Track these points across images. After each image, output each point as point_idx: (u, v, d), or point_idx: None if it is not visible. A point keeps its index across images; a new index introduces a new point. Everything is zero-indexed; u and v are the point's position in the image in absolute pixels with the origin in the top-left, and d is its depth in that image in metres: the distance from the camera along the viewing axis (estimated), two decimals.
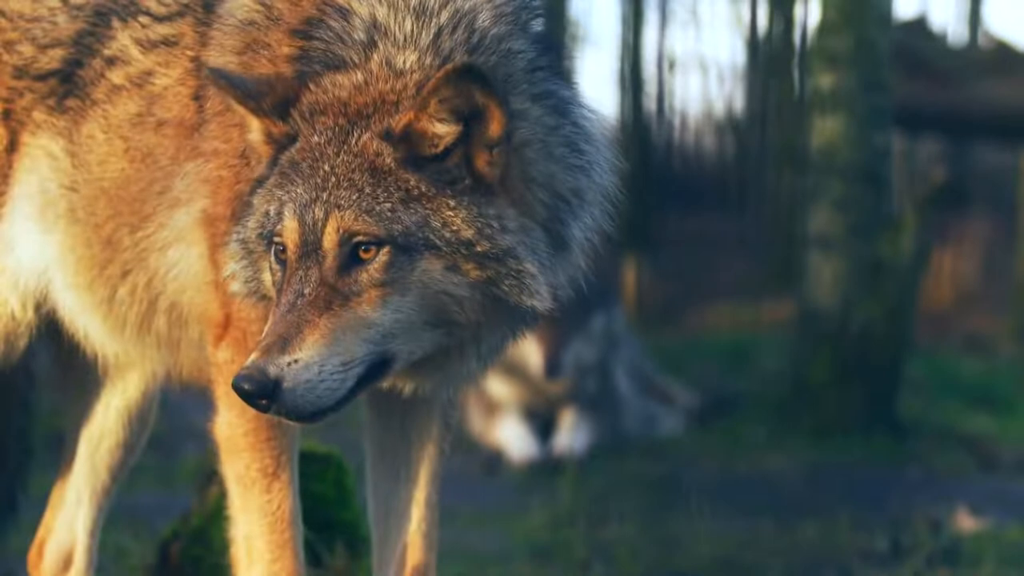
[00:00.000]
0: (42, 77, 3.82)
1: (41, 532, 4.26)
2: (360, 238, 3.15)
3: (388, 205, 3.15)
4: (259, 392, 3.11)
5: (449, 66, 3.15)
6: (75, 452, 4.22)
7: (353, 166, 3.18)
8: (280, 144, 3.29)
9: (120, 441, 4.21)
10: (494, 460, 8.35)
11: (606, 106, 3.54)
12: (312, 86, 3.27)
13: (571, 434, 8.57)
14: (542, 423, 8.62)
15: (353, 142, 3.19)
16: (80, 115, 3.76)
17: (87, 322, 3.83)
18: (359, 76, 3.25)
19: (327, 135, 3.22)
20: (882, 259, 8.65)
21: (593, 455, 8.37)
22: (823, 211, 8.71)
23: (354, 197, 3.15)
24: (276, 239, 3.23)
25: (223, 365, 3.54)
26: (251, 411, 3.50)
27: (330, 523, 4.84)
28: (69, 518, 4.22)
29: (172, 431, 7.30)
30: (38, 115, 3.81)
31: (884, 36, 8.76)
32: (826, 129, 8.70)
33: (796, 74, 16.72)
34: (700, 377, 10.23)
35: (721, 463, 8.16)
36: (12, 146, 3.83)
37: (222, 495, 3.71)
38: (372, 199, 3.15)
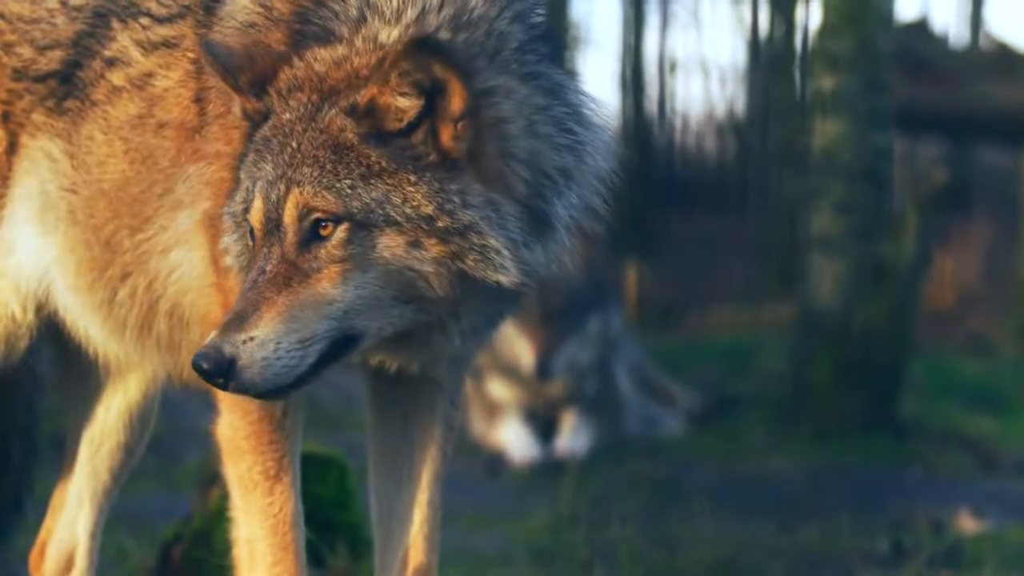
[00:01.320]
0: (41, 79, 3.81)
1: (42, 534, 4.25)
2: (318, 215, 3.16)
3: (348, 182, 3.15)
4: (215, 371, 3.13)
5: (406, 38, 3.16)
6: (76, 454, 4.22)
7: (318, 143, 3.18)
8: (255, 121, 3.31)
9: (121, 443, 4.21)
10: (495, 461, 8.35)
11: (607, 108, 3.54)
12: (295, 60, 3.28)
13: (572, 435, 8.57)
14: (543, 424, 8.63)
15: (321, 118, 3.20)
16: (80, 116, 3.76)
17: (88, 324, 3.83)
18: (341, 50, 3.26)
19: (298, 112, 3.22)
20: (883, 260, 8.64)
21: (594, 456, 8.37)
22: (824, 212, 8.70)
23: (315, 174, 3.16)
24: (247, 216, 3.24)
25: None
26: (253, 413, 3.52)
27: (332, 525, 4.85)
28: (70, 520, 4.22)
29: (173, 433, 7.30)
30: (37, 117, 3.81)
31: (885, 38, 8.76)
32: (827, 130, 8.70)
33: (797, 76, 16.75)
34: (701, 378, 10.23)
35: (722, 464, 8.16)
36: (11, 148, 3.83)
37: (223, 497, 3.71)
38: (332, 175, 3.16)
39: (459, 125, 3.16)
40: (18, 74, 3.83)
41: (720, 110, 20.67)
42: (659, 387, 9.27)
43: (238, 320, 3.13)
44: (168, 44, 3.68)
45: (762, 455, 8.27)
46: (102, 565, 4.32)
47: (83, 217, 3.73)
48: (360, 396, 3.75)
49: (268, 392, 3.17)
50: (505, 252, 3.16)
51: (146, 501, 6.21)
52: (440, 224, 3.14)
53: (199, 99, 3.60)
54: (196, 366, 3.13)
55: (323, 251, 3.16)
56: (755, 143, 18.79)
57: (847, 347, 8.62)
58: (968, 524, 6.57)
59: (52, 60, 3.81)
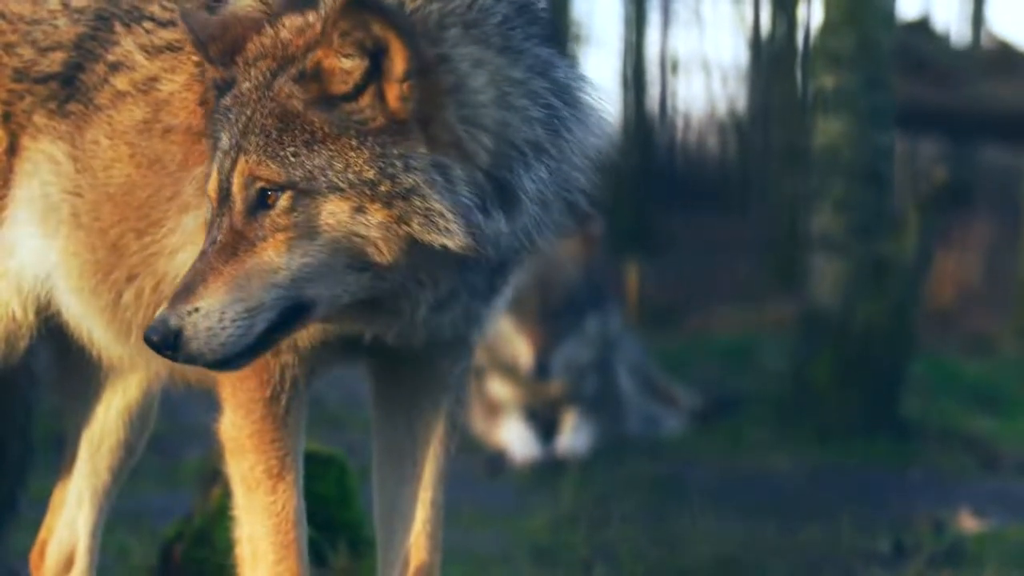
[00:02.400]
0: (42, 80, 3.81)
1: (43, 533, 4.26)
2: (262, 183, 3.17)
3: (292, 149, 3.16)
4: (163, 343, 3.15)
5: None
6: (76, 453, 4.22)
7: (267, 111, 3.19)
8: (222, 91, 3.32)
9: (121, 441, 4.22)
10: (496, 460, 8.35)
11: (609, 107, 3.52)
12: (266, 28, 3.28)
13: (573, 434, 8.57)
14: (544, 424, 8.63)
15: (274, 86, 3.21)
16: (84, 120, 3.76)
17: (91, 326, 3.83)
18: (310, 17, 3.25)
19: (257, 80, 3.23)
20: (885, 259, 8.64)
21: (595, 455, 8.37)
22: (825, 211, 8.70)
23: (261, 142, 3.17)
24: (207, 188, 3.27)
25: None
26: (256, 412, 3.52)
27: (333, 523, 4.85)
28: (70, 519, 4.22)
29: (174, 432, 7.31)
30: (38, 119, 3.81)
31: (887, 36, 8.76)
32: (828, 129, 8.70)
33: (799, 74, 16.74)
34: (702, 378, 10.23)
35: (723, 464, 8.16)
36: (12, 149, 3.82)
37: (225, 495, 3.71)
38: (277, 144, 3.16)
39: (404, 85, 3.15)
40: (19, 74, 3.83)
41: (721, 109, 20.66)
42: (660, 386, 9.27)
43: (185, 291, 3.16)
44: (172, 48, 3.69)
45: (763, 454, 8.27)
46: (103, 564, 4.32)
47: (88, 220, 3.73)
48: (360, 395, 3.75)
49: (217, 362, 3.19)
50: (450, 215, 3.14)
51: (147, 500, 6.21)
52: (382, 188, 3.13)
53: (205, 102, 3.59)
54: (147, 339, 3.17)
55: (268, 220, 3.16)
56: (756, 142, 18.78)
57: (848, 346, 8.62)
58: (969, 523, 6.57)
59: (54, 62, 3.81)
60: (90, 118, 3.75)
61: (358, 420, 7.78)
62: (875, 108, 8.67)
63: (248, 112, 3.21)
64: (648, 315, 13.03)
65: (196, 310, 3.14)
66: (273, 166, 3.15)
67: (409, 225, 3.14)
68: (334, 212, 3.15)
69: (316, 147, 3.15)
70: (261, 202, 3.17)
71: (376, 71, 3.15)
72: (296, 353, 3.52)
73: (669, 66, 19.76)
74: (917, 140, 16.73)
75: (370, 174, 3.13)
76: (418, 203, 3.13)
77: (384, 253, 3.17)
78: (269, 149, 3.16)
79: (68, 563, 4.22)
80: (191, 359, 3.17)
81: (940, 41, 15.43)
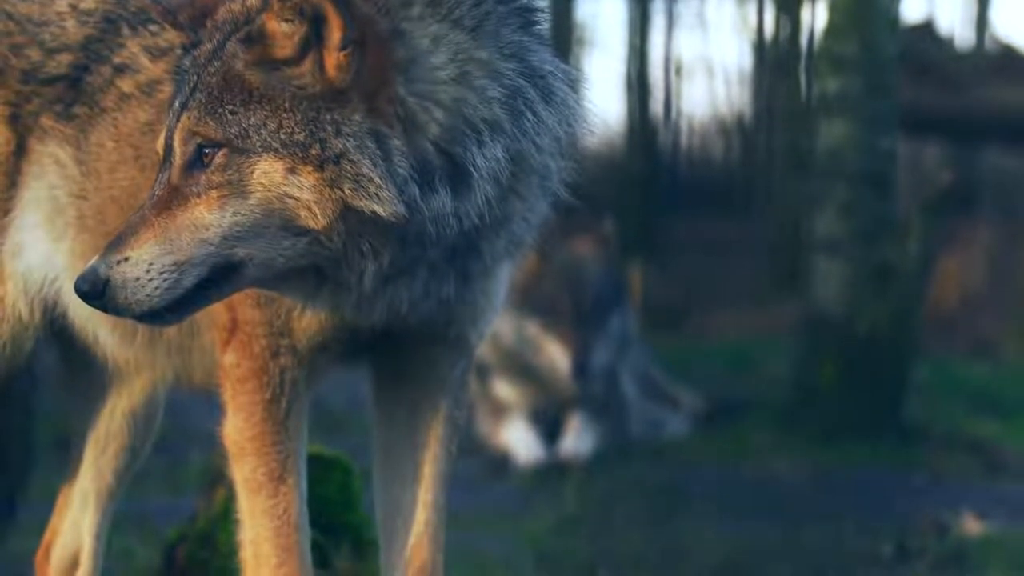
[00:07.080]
0: (49, 82, 3.83)
1: (48, 535, 4.27)
2: (199, 140, 3.20)
3: (230, 107, 3.18)
4: (91, 292, 3.17)
5: None
6: (81, 455, 4.23)
7: (213, 70, 3.22)
8: (186, 52, 3.35)
9: (125, 444, 4.22)
10: (500, 462, 8.36)
11: (612, 110, 3.52)
12: None
13: (577, 437, 8.57)
14: (548, 426, 8.63)
15: (225, 47, 3.24)
16: (89, 123, 3.78)
17: (96, 328, 3.84)
18: None
19: (216, 42, 3.27)
20: (888, 263, 8.65)
21: (598, 458, 8.38)
22: (829, 215, 8.71)
23: (203, 99, 3.20)
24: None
25: (229, 369, 3.55)
26: (257, 415, 3.53)
27: (336, 526, 4.85)
28: (75, 521, 4.23)
29: (178, 434, 7.31)
30: (45, 121, 3.82)
31: (891, 40, 8.77)
32: (832, 133, 8.71)
33: (803, 78, 16.73)
34: (706, 381, 10.23)
35: (727, 467, 8.17)
36: (20, 151, 3.83)
37: (228, 498, 3.72)
38: (217, 102, 3.19)
39: (341, 55, 3.17)
40: (26, 76, 3.84)
41: (725, 112, 20.65)
42: (663, 389, 9.28)
43: (117, 242, 3.19)
44: (175, 50, 3.70)
45: (766, 458, 8.28)
46: (107, 565, 4.33)
47: (93, 223, 3.74)
48: (364, 397, 3.76)
49: (144, 315, 3.19)
50: (380, 182, 3.15)
51: (151, 502, 6.22)
52: (313, 152, 3.15)
53: None
54: (76, 289, 3.19)
55: (204, 177, 3.18)
56: (760, 145, 18.77)
57: (851, 350, 8.62)
58: (972, 527, 6.57)
59: (60, 63, 3.83)
60: (95, 121, 3.77)
61: (361, 422, 7.77)
62: (879, 112, 8.67)
63: (200, 73, 3.24)
64: (652, 318, 13.02)
65: (125, 259, 3.16)
66: (211, 123, 3.18)
67: (341, 189, 3.15)
68: (267, 171, 3.16)
69: (252, 106, 3.18)
70: (198, 159, 3.20)
71: (318, 38, 3.18)
72: (295, 356, 3.53)
73: (673, 69, 19.75)
74: (921, 144, 16.72)
75: (300, 136, 3.15)
76: (348, 168, 3.15)
77: (318, 216, 3.17)
78: (209, 106, 3.20)
79: (73, 565, 4.24)
80: (118, 309, 3.18)
81: (944, 44, 15.43)
